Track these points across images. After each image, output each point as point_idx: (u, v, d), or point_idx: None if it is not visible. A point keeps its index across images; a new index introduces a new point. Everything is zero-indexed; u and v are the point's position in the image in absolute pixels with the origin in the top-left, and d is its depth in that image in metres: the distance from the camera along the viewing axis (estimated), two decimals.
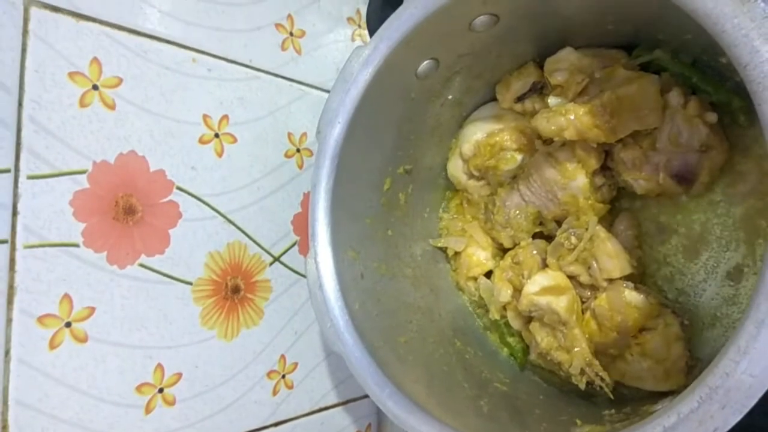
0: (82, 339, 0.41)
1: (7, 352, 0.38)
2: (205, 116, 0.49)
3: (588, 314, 0.44)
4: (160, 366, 0.46)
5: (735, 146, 0.42)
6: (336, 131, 0.42)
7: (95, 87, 0.42)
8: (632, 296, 0.42)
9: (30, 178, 0.39)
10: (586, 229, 0.43)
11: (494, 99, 0.50)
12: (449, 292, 0.53)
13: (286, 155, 0.56)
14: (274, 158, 0.55)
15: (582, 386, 0.43)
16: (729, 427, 0.27)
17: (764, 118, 0.27)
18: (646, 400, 0.41)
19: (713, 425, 0.27)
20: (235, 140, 0.51)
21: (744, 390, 0.26)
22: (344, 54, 0.62)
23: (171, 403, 0.46)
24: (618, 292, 0.42)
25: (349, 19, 0.63)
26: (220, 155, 0.50)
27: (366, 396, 0.64)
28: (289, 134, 0.57)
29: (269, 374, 0.54)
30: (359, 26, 0.64)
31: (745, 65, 0.27)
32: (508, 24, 0.41)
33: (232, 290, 0.51)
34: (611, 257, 0.42)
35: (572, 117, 0.40)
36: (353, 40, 0.63)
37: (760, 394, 0.26)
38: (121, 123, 0.44)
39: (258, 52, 0.53)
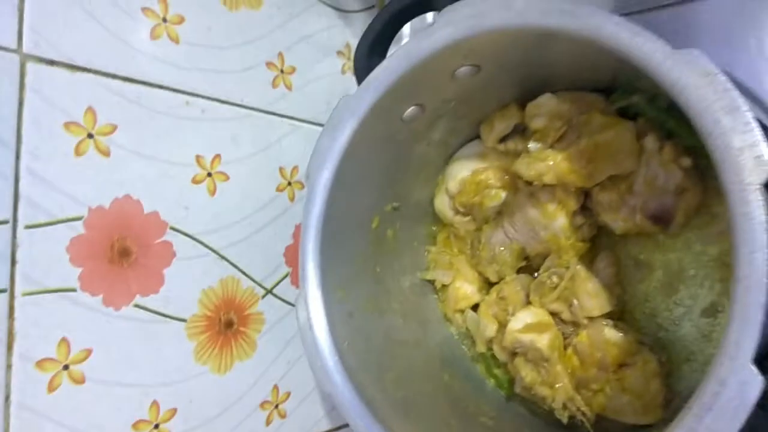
0: (80, 380, 0.43)
1: (7, 397, 0.39)
2: (198, 156, 0.51)
3: (570, 350, 0.45)
4: (155, 403, 0.47)
5: (709, 189, 0.44)
6: (324, 176, 0.44)
7: (90, 135, 0.44)
8: (611, 334, 0.43)
9: (28, 227, 0.40)
10: (567, 268, 0.45)
11: (479, 137, 0.52)
12: (437, 324, 0.55)
13: (278, 189, 0.58)
14: (266, 193, 0.57)
15: (564, 420, 0.44)
16: None
17: (725, 185, 0.29)
18: None
19: None
20: (227, 178, 0.53)
21: None
22: (334, 87, 0.63)
23: None
24: (598, 329, 0.43)
25: (339, 52, 0.64)
26: (212, 194, 0.52)
27: None
28: (281, 168, 0.58)
29: (262, 405, 0.55)
30: (349, 59, 0.65)
31: (708, 134, 0.29)
32: (490, 72, 0.43)
33: (226, 325, 0.53)
34: (591, 296, 0.44)
35: (551, 163, 0.42)
36: (344, 72, 0.65)
37: None
38: (116, 168, 0.45)
39: (250, 90, 0.55)
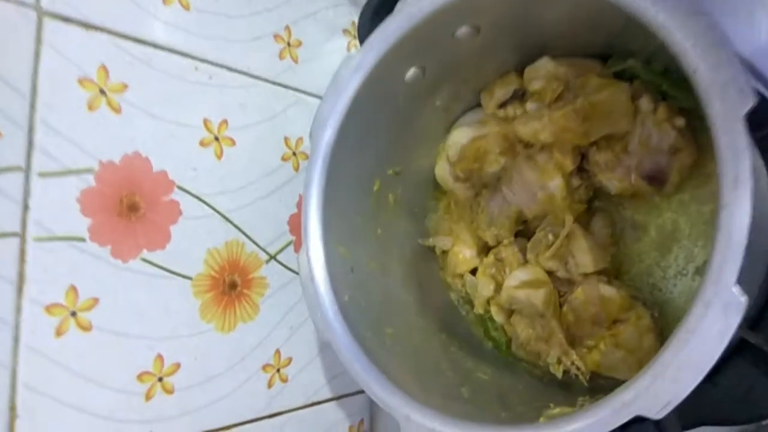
0: (87, 328, 0.44)
1: (16, 339, 0.41)
2: (205, 120, 0.52)
3: (565, 307, 0.46)
4: (160, 356, 0.48)
5: (703, 149, 0.45)
6: (327, 134, 0.45)
7: (102, 92, 0.45)
8: (605, 290, 0.44)
9: (41, 175, 0.42)
10: (564, 226, 0.46)
11: (479, 105, 0.53)
12: (437, 289, 0.56)
13: (283, 158, 0.59)
14: (271, 161, 0.58)
15: (559, 375, 0.45)
16: (681, 398, 0.29)
17: (710, 119, 0.30)
18: None
19: (666, 398, 0.29)
20: (234, 143, 0.54)
21: (693, 366, 0.29)
22: (339, 63, 0.65)
23: (170, 391, 0.49)
24: (593, 285, 0.44)
25: (345, 30, 0.66)
26: (219, 157, 0.53)
27: (359, 392, 0.67)
28: (286, 138, 0.59)
29: (264, 367, 0.56)
30: (354, 37, 0.67)
31: (693, 71, 0.30)
32: (489, 35, 0.44)
33: (230, 286, 0.54)
34: (586, 252, 0.45)
35: (547, 121, 0.43)
36: (348, 50, 0.66)
37: (707, 369, 0.29)
38: (127, 126, 0.47)
39: (257, 60, 0.56)
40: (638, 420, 0.31)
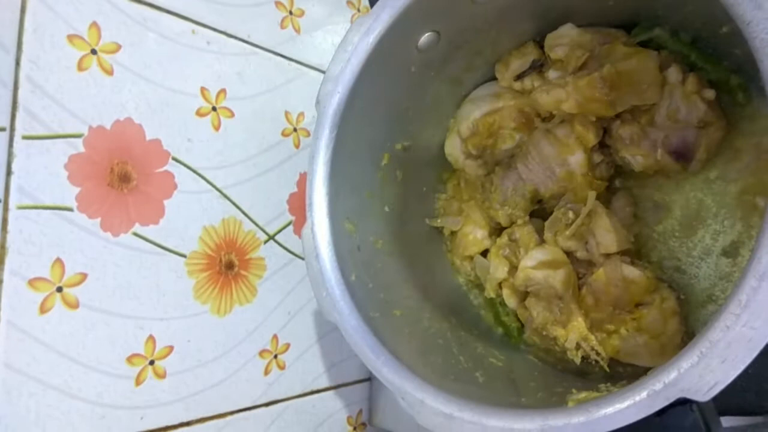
0: (74, 305, 0.41)
1: None
2: (202, 88, 0.49)
3: (584, 290, 0.43)
4: (151, 337, 0.45)
5: (732, 124, 0.42)
6: (335, 101, 0.42)
7: (94, 51, 0.42)
8: (629, 270, 0.42)
9: (25, 138, 0.38)
10: (584, 204, 0.43)
11: (493, 78, 0.50)
12: (445, 272, 0.53)
13: (283, 134, 0.56)
14: (271, 136, 0.55)
15: (577, 361, 0.43)
16: (729, 380, 0.26)
17: (765, 74, 0.27)
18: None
19: (714, 379, 0.27)
20: (232, 115, 0.51)
21: (744, 343, 0.26)
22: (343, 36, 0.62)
23: (162, 375, 0.46)
24: (615, 266, 0.42)
25: (349, 2, 0.63)
26: (217, 129, 0.50)
27: (358, 381, 0.64)
28: (287, 113, 0.56)
29: (261, 353, 0.53)
30: (358, 10, 0.64)
31: (748, 22, 0.28)
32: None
33: (226, 266, 0.51)
34: (609, 231, 0.42)
35: (572, 89, 0.40)
36: (352, 23, 0.63)
37: (760, 347, 0.26)
38: (119, 89, 0.44)
39: (257, 28, 0.53)
40: (678, 403, 0.28)
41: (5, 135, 0.38)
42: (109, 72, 0.43)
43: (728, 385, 0.27)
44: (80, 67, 0.41)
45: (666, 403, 0.28)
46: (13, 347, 0.38)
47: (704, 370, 0.27)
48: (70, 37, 0.41)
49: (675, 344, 0.41)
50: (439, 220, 0.53)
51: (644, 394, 0.29)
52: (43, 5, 0.39)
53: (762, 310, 0.26)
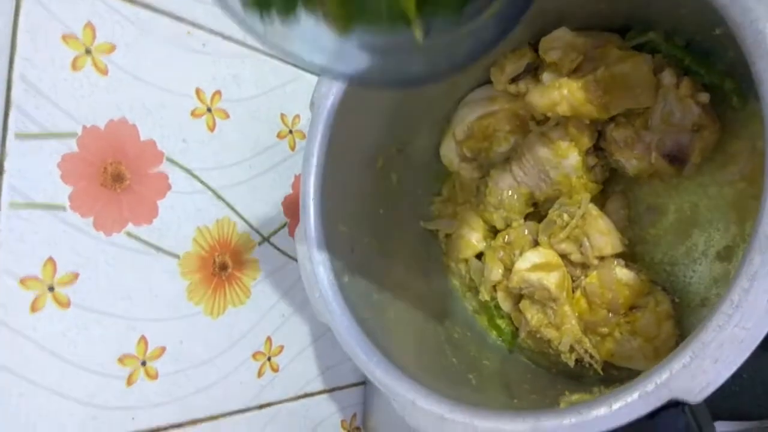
0: (65, 304, 0.41)
1: None
2: (198, 90, 0.49)
3: (578, 292, 0.43)
4: (143, 338, 0.45)
5: (726, 128, 0.42)
6: (330, 103, 0.42)
7: (88, 51, 0.42)
8: (623, 273, 0.42)
9: (18, 136, 0.38)
10: (579, 207, 0.43)
11: (488, 82, 0.50)
12: (439, 274, 0.53)
13: (279, 136, 0.56)
14: (266, 138, 0.55)
15: (571, 363, 0.42)
16: (722, 381, 0.26)
17: (758, 75, 0.27)
18: None
19: (706, 380, 0.26)
20: (227, 116, 0.51)
21: (736, 343, 0.26)
22: None
23: (154, 377, 0.45)
24: (609, 269, 0.42)
25: None
26: (211, 130, 0.50)
27: (352, 385, 0.64)
28: (282, 115, 0.56)
29: (255, 355, 0.53)
30: None
31: (739, 24, 0.28)
32: None
33: (220, 267, 0.51)
34: (603, 234, 0.42)
35: (566, 92, 0.40)
36: None
37: (753, 347, 0.26)
38: (113, 89, 0.43)
39: None
40: (670, 405, 0.28)
41: None
42: (104, 72, 0.43)
43: (721, 389, 0.27)
44: (74, 66, 0.41)
45: (658, 404, 0.28)
46: (3, 346, 0.38)
47: (696, 371, 0.27)
48: (65, 37, 0.41)
49: (669, 347, 0.41)
50: (433, 224, 0.53)
51: (636, 395, 0.29)
52: (37, 4, 0.39)
53: (754, 310, 0.26)
